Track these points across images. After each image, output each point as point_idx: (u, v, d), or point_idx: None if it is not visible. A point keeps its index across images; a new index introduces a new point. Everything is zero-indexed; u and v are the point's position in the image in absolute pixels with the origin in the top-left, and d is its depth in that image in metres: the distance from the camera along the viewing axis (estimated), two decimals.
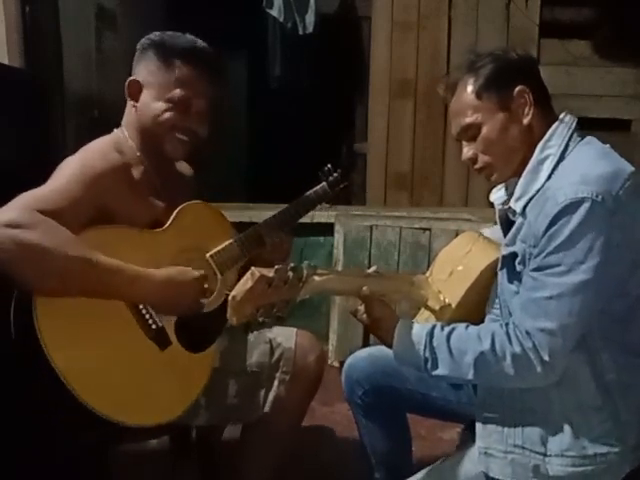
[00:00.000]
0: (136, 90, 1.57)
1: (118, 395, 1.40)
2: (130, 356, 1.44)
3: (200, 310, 1.54)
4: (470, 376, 1.27)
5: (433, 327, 1.33)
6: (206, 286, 1.54)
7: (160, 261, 1.50)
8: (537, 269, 1.24)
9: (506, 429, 1.32)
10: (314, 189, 1.82)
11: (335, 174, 1.83)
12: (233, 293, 1.21)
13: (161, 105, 1.54)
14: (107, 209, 1.47)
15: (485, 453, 1.35)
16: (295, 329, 1.74)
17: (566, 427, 1.27)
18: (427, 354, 1.30)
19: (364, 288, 1.36)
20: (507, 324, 1.28)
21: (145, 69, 1.57)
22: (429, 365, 1.31)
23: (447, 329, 1.32)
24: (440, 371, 1.30)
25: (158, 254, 1.52)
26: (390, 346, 1.36)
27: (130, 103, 1.59)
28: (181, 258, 1.55)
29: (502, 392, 1.33)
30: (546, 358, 1.21)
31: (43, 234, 1.31)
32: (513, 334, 1.25)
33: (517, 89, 1.32)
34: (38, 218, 1.33)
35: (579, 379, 1.26)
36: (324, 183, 1.82)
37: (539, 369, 1.22)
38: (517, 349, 1.23)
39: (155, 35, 1.59)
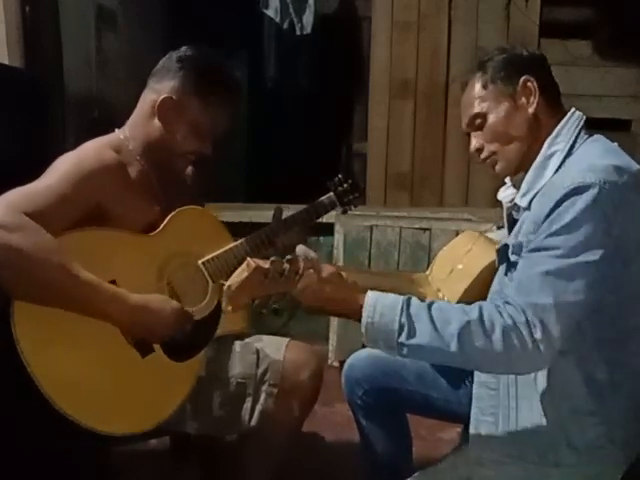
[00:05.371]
0: (169, 110, 1.52)
1: (95, 403, 1.39)
2: (109, 363, 1.42)
3: (174, 336, 1.48)
4: (452, 348, 1.15)
5: (409, 297, 1.21)
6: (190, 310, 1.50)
7: (148, 265, 1.48)
8: (535, 249, 1.21)
9: (500, 436, 1.31)
10: (321, 199, 1.76)
11: (345, 185, 1.78)
12: (228, 282, 1.21)
13: (188, 134, 1.53)
14: (101, 208, 1.46)
15: (478, 463, 1.33)
16: (287, 340, 1.67)
17: (561, 436, 1.25)
18: (403, 320, 1.16)
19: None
20: (496, 303, 1.20)
21: (181, 92, 1.52)
22: (404, 334, 1.16)
23: (427, 301, 1.22)
24: (417, 340, 1.16)
25: (147, 258, 1.50)
26: (357, 320, 1.21)
27: (149, 115, 1.54)
28: (171, 263, 1.53)
29: (498, 390, 1.32)
30: (538, 335, 1.14)
31: (25, 238, 1.29)
32: (504, 309, 1.17)
33: (522, 78, 1.34)
34: (22, 221, 1.30)
35: (571, 385, 1.25)
36: (332, 193, 1.77)
37: (530, 346, 1.14)
38: (508, 321, 1.15)
39: (195, 55, 1.55)
